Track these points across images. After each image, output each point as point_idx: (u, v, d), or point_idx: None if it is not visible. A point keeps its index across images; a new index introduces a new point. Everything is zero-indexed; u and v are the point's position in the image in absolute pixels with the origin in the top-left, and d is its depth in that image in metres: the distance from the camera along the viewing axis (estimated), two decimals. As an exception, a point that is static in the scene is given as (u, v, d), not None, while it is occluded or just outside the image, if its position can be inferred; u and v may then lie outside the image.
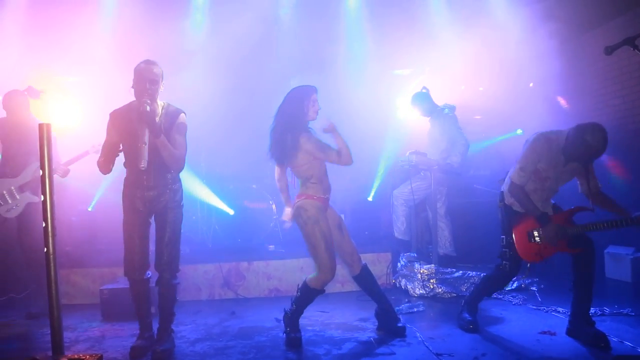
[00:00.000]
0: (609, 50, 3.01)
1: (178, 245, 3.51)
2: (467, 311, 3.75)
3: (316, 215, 3.43)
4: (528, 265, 3.53)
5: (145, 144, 3.23)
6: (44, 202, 2.37)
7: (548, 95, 6.10)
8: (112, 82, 4.91)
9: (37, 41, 5.55)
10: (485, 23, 5.78)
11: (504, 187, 3.58)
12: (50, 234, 2.38)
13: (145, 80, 3.29)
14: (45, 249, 2.37)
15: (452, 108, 5.19)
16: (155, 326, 3.59)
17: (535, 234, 3.38)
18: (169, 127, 3.41)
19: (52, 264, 2.38)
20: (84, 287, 5.03)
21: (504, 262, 3.55)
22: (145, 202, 3.41)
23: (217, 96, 5.88)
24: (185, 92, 5.41)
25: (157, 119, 3.31)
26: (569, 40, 5.79)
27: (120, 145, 3.45)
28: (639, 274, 4.85)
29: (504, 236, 3.55)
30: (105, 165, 3.42)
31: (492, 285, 3.78)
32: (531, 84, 6.27)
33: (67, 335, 3.93)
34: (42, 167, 2.37)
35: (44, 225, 2.37)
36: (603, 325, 3.53)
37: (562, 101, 6.15)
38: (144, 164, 3.21)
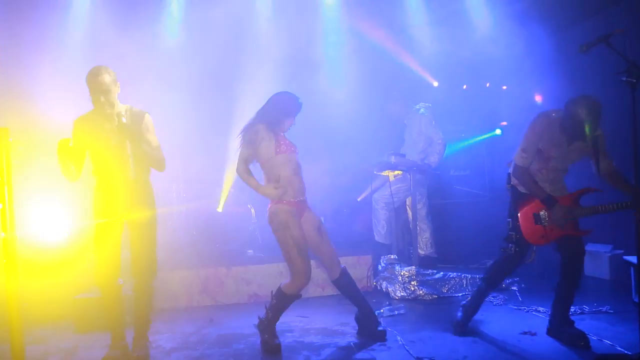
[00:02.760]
0: (584, 48, 3.01)
1: (154, 250, 3.44)
2: (462, 310, 3.65)
3: (286, 220, 3.35)
4: (534, 248, 3.41)
5: (130, 156, 3.26)
6: (3, 210, 2.26)
7: (525, 94, 6.14)
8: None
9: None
10: (462, 23, 5.81)
11: (510, 169, 3.47)
12: (10, 244, 2.27)
13: (98, 92, 3.23)
14: (5, 260, 2.26)
15: (428, 107, 5.18)
16: (129, 335, 3.47)
17: (543, 215, 3.28)
18: (136, 130, 3.34)
19: (12, 275, 2.26)
20: (57, 296, 4.86)
21: (509, 245, 3.41)
22: (114, 206, 3.34)
23: (194, 98, 5.77)
24: (160, 94, 5.32)
25: (123, 114, 3.23)
26: (546, 39, 5.83)
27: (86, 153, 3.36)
28: (617, 272, 4.88)
29: (510, 219, 3.43)
30: (76, 173, 3.34)
31: (497, 271, 3.61)
32: (504, 87, 6.32)
33: (38, 348, 3.79)
34: (1, 174, 2.27)
35: (3, 235, 2.26)
36: (582, 323, 3.52)
37: (539, 99, 6.19)
38: (132, 175, 3.28)
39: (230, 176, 5.61)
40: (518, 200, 3.39)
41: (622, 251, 4.95)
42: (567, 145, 3.26)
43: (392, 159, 4.84)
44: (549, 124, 3.24)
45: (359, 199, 5.63)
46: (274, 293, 3.51)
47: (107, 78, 3.23)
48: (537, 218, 3.31)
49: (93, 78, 3.22)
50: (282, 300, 3.46)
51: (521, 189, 3.39)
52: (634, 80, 2.68)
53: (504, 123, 6.14)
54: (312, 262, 3.51)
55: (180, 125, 5.29)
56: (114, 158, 3.31)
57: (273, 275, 4.96)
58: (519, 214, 3.35)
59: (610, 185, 3.31)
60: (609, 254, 4.99)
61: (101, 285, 3.39)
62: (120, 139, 3.25)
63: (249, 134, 3.43)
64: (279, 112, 3.45)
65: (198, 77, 5.91)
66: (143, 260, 3.38)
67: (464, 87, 6.43)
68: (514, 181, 3.43)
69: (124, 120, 3.18)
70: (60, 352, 3.70)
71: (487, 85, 6.40)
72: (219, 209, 5.70)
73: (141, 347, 3.40)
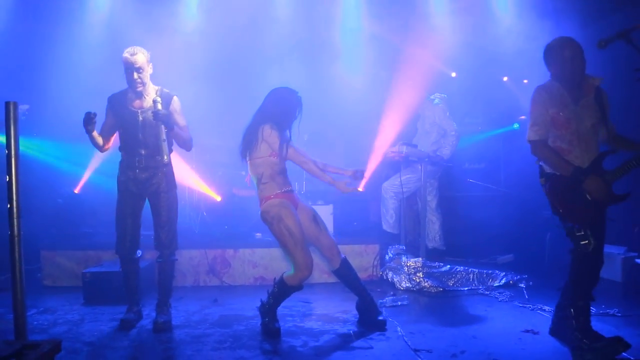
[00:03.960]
0: (603, 44, 2.91)
1: (175, 225, 3.74)
2: (584, 337, 3.00)
3: (278, 213, 3.35)
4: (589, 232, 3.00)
5: (164, 140, 3.46)
6: (9, 182, 2.30)
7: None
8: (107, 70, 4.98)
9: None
10: (484, 14, 5.67)
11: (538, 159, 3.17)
12: (15, 215, 2.31)
13: (132, 70, 3.49)
14: (10, 231, 2.30)
15: (443, 98, 5.09)
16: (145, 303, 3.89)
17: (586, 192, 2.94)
18: (170, 115, 3.59)
19: (16, 247, 2.31)
20: (68, 269, 4.97)
21: (580, 242, 2.98)
22: (137, 184, 3.62)
23: (211, 81, 5.79)
24: (179, 78, 5.34)
25: (159, 101, 3.45)
26: (571, 34, 5.66)
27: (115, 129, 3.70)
28: (630, 274, 4.77)
29: (561, 210, 3.03)
30: (103, 144, 3.65)
31: (581, 277, 3.08)
32: (525, 81, 6.16)
33: (47, 318, 3.92)
34: (8, 147, 2.30)
35: (8, 206, 2.30)
36: (587, 325, 3.45)
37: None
38: (167, 159, 3.49)
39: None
40: (558, 185, 3.04)
41: (635, 254, 4.83)
42: (574, 104, 3.06)
43: (404, 149, 4.79)
44: (547, 88, 3.10)
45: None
46: (276, 280, 3.53)
47: (141, 57, 3.50)
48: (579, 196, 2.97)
49: (128, 56, 3.48)
50: (282, 290, 3.48)
51: (549, 169, 3.08)
52: (654, 77, 2.58)
53: (523, 117, 6.01)
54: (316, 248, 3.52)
55: (198, 109, 5.32)
56: (142, 139, 3.58)
57: (280, 258, 4.99)
58: (562, 203, 3.02)
59: (617, 148, 3.13)
60: (622, 256, 4.87)
61: (121, 256, 3.70)
62: (153, 124, 3.48)
63: (250, 136, 3.45)
64: (281, 111, 3.46)
65: (216, 61, 5.93)
66: (166, 234, 3.66)
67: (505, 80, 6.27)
68: (538, 163, 3.16)
69: (159, 107, 3.41)
70: (67, 323, 3.80)
71: (505, 79, 6.26)
72: (235, 191, 5.73)
73: (165, 311, 3.72)
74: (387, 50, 5.86)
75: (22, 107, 5.09)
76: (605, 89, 3.16)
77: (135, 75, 3.49)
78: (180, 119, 3.69)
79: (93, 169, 5.64)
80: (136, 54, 3.48)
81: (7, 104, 2.32)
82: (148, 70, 3.56)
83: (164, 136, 3.46)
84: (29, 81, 5.68)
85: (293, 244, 3.33)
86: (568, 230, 3.03)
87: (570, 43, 3.06)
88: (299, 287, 3.47)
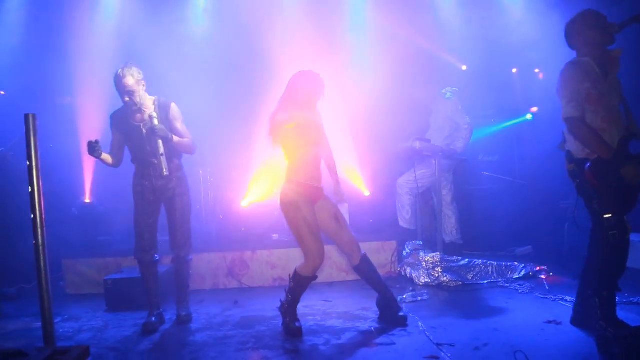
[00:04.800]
0: (617, 29, 2.88)
1: (189, 227, 3.88)
2: (609, 326, 2.93)
3: (296, 201, 3.37)
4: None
5: (162, 155, 3.59)
6: (32, 193, 2.35)
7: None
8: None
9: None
10: (493, 6, 5.64)
11: (567, 142, 3.07)
12: (39, 226, 2.36)
13: (123, 93, 3.59)
14: (34, 241, 2.35)
15: (455, 92, 5.07)
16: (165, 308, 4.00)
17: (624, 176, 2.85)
18: (164, 119, 3.70)
19: (41, 256, 2.36)
20: (90, 277, 5.05)
21: (609, 232, 2.90)
22: (154, 191, 3.75)
23: (220, 84, 5.83)
24: (187, 81, 5.39)
25: (155, 116, 3.59)
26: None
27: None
28: (651, 261, 4.70)
29: (597, 198, 2.92)
30: (116, 162, 3.80)
31: (608, 266, 3.00)
32: (537, 70, 6.10)
33: (71, 325, 3.98)
34: (29, 158, 2.35)
35: (32, 216, 2.35)
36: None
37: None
38: (166, 172, 3.60)
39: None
40: (595, 169, 2.91)
41: (657, 240, 4.76)
42: (604, 79, 2.98)
43: (417, 144, 4.78)
44: (579, 63, 3.01)
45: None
46: (291, 276, 3.55)
47: (130, 80, 3.55)
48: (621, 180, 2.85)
49: (118, 80, 3.57)
50: (299, 283, 3.49)
51: (582, 154, 2.98)
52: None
53: (535, 109, 5.96)
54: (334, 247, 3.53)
55: (207, 112, 5.37)
56: (151, 149, 3.67)
57: (297, 259, 4.99)
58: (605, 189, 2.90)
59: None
60: (642, 244, 4.80)
61: (141, 260, 3.81)
62: (153, 139, 3.60)
63: (275, 122, 3.46)
64: (304, 94, 3.45)
65: (225, 65, 5.97)
66: (181, 235, 3.82)
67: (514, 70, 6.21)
68: (569, 146, 3.06)
69: (156, 122, 3.56)
70: (92, 329, 3.86)
71: (514, 71, 6.21)
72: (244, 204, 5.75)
73: (185, 306, 3.92)
74: (397, 46, 5.85)
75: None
76: (622, 74, 3.10)
77: (127, 98, 3.59)
78: (179, 126, 3.78)
79: (100, 178, 5.76)
80: (125, 76, 3.53)
81: (26, 116, 2.36)
82: (140, 90, 3.63)
83: (162, 150, 3.59)
84: (42, 93, 5.79)
85: (307, 233, 3.35)
86: (598, 217, 2.95)
87: (593, 11, 3.00)
88: (313, 277, 3.48)
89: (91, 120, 5.50)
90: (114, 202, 5.87)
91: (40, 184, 2.36)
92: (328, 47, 5.84)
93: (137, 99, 3.62)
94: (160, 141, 3.58)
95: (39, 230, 2.37)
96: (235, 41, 5.88)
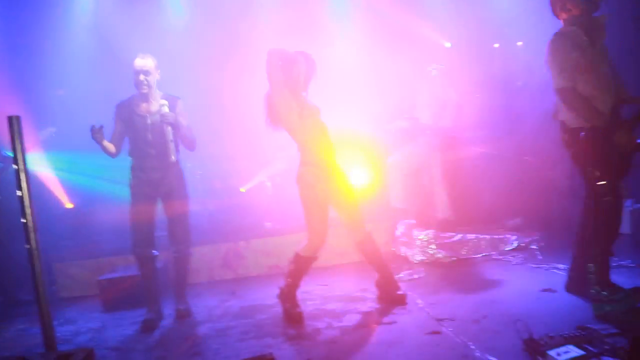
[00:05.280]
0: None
1: (188, 221, 3.89)
2: (603, 289, 2.99)
3: (312, 182, 3.42)
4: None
5: (171, 141, 3.68)
6: (21, 196, 2.30)
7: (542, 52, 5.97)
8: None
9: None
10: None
11: (560, 112, 3.07)
12: (31, 229, 2.31)
13: (139, 72, 3.68)
14: (28, 245, 2.31)
15: (440, 69, 5.07)
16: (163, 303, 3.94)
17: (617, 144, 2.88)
18: (176, 116, 3.75)
19: (35, 260, 2.31)
20: (83, 279, 4.99)
21: (605, 198, 2.94)
22: (151, 185, 3.74)
23: (204, 75, 5.74)
24: (169, 73, 5.29)
25: (166, 104, 3.69)
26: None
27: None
28: (638, 226, 4.81)
29: (591, 167, 2.96)
30: (115, 152, 3.78)
31: (602, 231, 3.04)
32: (519, 44, 6.11)
33: (69, 328, 3.94)
34: (16, 161, 2.29)
35: (23, 221, 2.30)
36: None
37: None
38: (173, 158, 3.68)
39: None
40: (590, 138, 2.94)
41: (643, 205, 4.86)
42: (592, 46, 2.97)
43: (406, 123, 4.78)
44: (566, 33, 3.00)
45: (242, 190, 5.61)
46: (291, 259, 3.55)
47: (150, 62, 3.71)
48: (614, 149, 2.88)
49: (139, 59, 3.70)
50: (299, 264, 3.50)
51: (576, 123, 2.99)
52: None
53: (519, 83, 5.99)
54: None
55: (189, 104, 5.28)
56: (152, 140, 3.71)
57: (291, 245, 4.90)
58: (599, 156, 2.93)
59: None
60: (630, 209, 4.89)
61: (139, 256, 3.77)
62: (161, 126, 3.67)
63: (274, 105, 3.45)
64: (297, 74, 3.42)
65: (207, 55, 5.87)
66: (182, 229, 3.83)
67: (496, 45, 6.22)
68: (563, 116, 3.07)
69: (166, 109, 3.65)
70: (90, 331, 3.83)
71: (496, 46, 6.22)
72: (243, 190, 5.72)
73: (184, 300, 3.93)
74: (381, 25, 5.80)
75: (49, 130, 5.19)
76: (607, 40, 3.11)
77: (142, 77, 3.67)
78: (184, 121, 3.83)
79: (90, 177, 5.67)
80: (145, 58, 3.70)
81: (9, 118, 2.30)
82: (155, 75, 3.75)
83: (171, 137, 3.69)
84: (22, 93, 5.63)
85: (316, 212, 3.42)
86: (592, 185, 2.98)
87: None
88: (314, 258, 3.51)
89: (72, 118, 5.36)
90: (94, 203, 5.79)
91: (29, 187, 2.31)
92: (311, 27, 5.77)
93: (152, 82, 3.71)
94: (169, 128, 3.67)
95: (31, 234, 2.32)
96: (216, 32, 5.79)
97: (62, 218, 5.65)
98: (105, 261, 4.99)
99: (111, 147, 3.73)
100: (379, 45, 5.57)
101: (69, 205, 5.72)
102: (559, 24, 3.14)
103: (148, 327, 3.65)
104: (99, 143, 3.61)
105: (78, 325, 4.01)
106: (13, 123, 2.30)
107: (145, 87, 3.70)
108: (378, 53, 5.50)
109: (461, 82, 5.50)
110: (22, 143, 2.31)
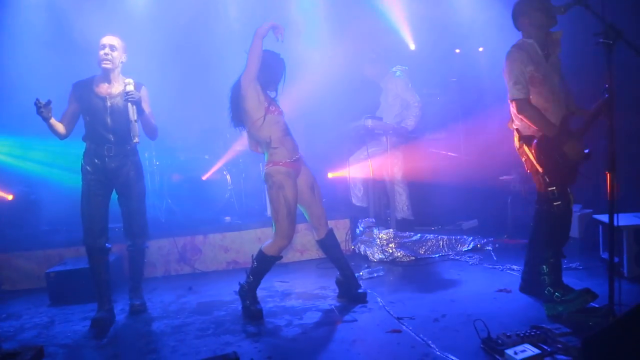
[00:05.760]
0: (562, 10, 2.98)
1: (145, 214, 3.75)
2: (556, 290, 3.14)
3: (281, 181, 3.37)
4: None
5: (135, 121, 3.42)
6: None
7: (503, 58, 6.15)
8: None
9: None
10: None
11: (515, 122, 3.24)
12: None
13: (105, 45, 3.47)
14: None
15: (404, 70, 5.13)
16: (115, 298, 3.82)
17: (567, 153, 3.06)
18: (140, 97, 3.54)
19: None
20: (28, 270, 4.73)
21: (553, 203, 3.08)
22: (106, 173, 3.52)
23: (166, 65, 5.55)
24: (130, 61, 5.10)
25: (131, 83, 3.43)
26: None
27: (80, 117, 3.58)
28: (586, 230, 5.03)
29: (542, 174, 3.08)
30: (64, 133, 3.51)
31: (553, 236, 3.21)
32: (481, 49, 6.27)
33: (12, 324, 3.72)
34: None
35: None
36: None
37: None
38: (137, 140, 3.43)
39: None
40: (541, 146, 3.09)
41: (591, 210, 5.09)
42: (546, 60, 3.17)
43: (369, 123, 4.80)
44: (522, 46, 3.17)
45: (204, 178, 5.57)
46: (254, 256, 3.50)
47: (117, 40, 3.52)
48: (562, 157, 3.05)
49: (106, 35, 3.51)
50: (263, 263, 3.45)
51: (528, 132, 3.15)
52: (611, 42, 2.67)
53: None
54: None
55: (151, 93, 5.12)
56: (111, 125, 3.49)
57: (251, 241, 4.95)
58: (544, 162, 3.08)
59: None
60: (579, 213, 5.12)
61: (91, 248, 3.52)
62: (122, 110, 3.45)
63: (238, 100, 3.40)
64: (264, 73, 3.38)
65: (168, 43, 5.70)
66: (138, 222, 3.67)
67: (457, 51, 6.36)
68: (516, 124, 3.23)
69: (131, 88, 3.39)
70: (36, 326, 3.63)
71: (457, 51, 6.37)
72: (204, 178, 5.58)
73: (139, 295, 3.81)
74: (346, 24, 5.80)
75: None
76: (564, 54, 3.27)
77: (107, 49, 3.46)
78: (147, 108, 3.62)
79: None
80: (113, 35, 3.52)
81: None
82: (120, 56, 3.54)
83: (135, 117, 3.42)
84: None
85: (285, 213, 3.36)
86: (543, 190, 3.11)
87: None
88: (278, 257, 3.47)
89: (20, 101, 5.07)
90: (43, 191, 5.51)
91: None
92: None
93: (115, 60, 3.50)
94: (133, 107, 3.41)
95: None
96: (180, 18, 5.61)
97: (7, 205, 5.33)
98: (54, 253, 4.75)
99: (59, 127, 3.45)
100: (345, 44, 5.57)
101: (8, 197, 5.39)
102: (519, 34, 3.28)
103: (99, 325, 3.39)
104: (46, 121, 3.31)
105: (23, 320, 3.79)
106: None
107: (108, 62, 3.46)
108: (343, 52, 5.50)
109: (424, 84, 5.60)
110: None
